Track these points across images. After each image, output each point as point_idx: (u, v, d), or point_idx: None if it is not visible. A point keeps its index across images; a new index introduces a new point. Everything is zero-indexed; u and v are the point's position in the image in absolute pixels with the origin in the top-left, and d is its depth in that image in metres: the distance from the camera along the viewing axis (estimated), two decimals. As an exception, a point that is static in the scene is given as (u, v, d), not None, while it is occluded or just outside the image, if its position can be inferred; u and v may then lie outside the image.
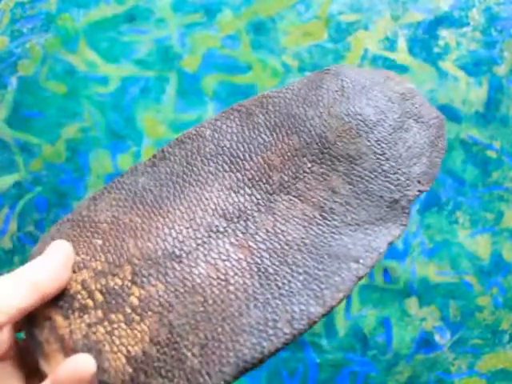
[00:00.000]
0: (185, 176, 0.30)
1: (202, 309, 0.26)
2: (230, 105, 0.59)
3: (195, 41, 0.60)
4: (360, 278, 0.27)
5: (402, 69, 0.60)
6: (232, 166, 0.30)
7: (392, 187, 0.29)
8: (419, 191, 0.30)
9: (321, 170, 0.30)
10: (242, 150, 0.31)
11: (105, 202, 0.30)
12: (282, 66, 0.60)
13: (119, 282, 0.27)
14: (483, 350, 0.56)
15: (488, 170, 0.58)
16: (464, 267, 0.57)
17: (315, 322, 0.27)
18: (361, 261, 0.28)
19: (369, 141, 0.30)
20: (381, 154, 0.30)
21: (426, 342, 0.56)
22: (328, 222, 0.29)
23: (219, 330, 0.26)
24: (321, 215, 0.29)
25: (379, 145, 0.30)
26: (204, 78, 0.59)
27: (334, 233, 0.28)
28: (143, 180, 0.31)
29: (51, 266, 0.27)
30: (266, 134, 0.31)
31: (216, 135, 0.31)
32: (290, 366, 0.55)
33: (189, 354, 0.26)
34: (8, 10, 0.60)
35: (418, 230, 0.57)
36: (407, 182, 0.30)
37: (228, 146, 0.31)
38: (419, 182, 0.30)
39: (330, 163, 0.30)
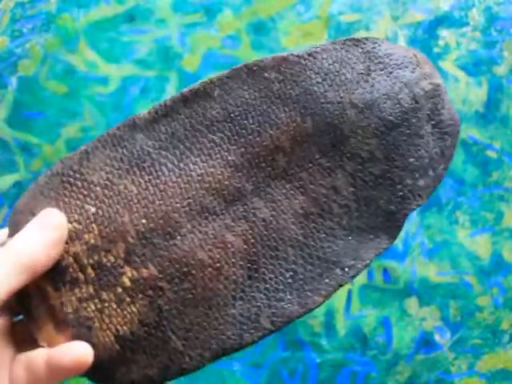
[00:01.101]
0: (186, 141, 0.28)
1: (190, 296, 0.27)
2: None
3: (195, 41, 0.60)
4: (341, 286, 0.28)
5: (402, 69, 0.60)
6: (237, 139, 0.28)
7: (393, 198, 0.28)
8: (417, 205, 0.29)
9: (327, 165, 0.28)
10: (251, 122, 0.28)
11: (99, 159, 0.28)
12: (282, 66, 0.60)
13: (112, 259, 0.27)
14: (483, 350, 0.56)
15: (488, 170, 0.58)
16: (464, 267, 0.57)
17: (293, 321, 0.27)
18: (346, 269, 0.28)
19: (383, 144, 0.28)
20: (391, 161, 0.28)
21: (426, 342, 0.56)
22: (324, 222, 0.28)
23: (204, 317, 0.27)
24: (318, 213, 0.28)
25: (393, 150, 0.28)
26: (204, 78, 0.59)
27: (327, 234, 0.28)
28: (141, 138, 0.28)
29: (43, 242, 0.26)
30: (278, 108, 0.28)
31: (225, 97, 0.28)
32: (290, 366, 0.55)
33: (173, 337, 0.27)
34: (8, 10, 0.60)
35: (418, 230, 0.57)
36: (409, 195, 0.28)
37: (236, 113, 0.28)
38: (419, 195, 0.28)
39: (338, 159, 0.28)
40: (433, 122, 0.29)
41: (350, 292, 0.56)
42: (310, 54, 0.29)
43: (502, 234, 0.57)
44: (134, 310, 0.27)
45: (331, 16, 0.61)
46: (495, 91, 0.60)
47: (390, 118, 0.28)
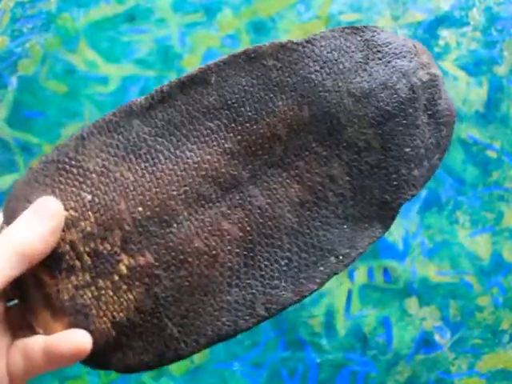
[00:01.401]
0: (183, 128, 0.28)
1: (186, 283, 0.27)
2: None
3: (195, 40, 0.60)
4: (335, 274, 0.28)
5: (402, 69, 0.60)
6: (234, 127, 0.28)
7: (388, 188, 0.28)
8: (411, 195, 0.29)
9: (324, 153, 0.28)
10: (248, 109, 0.28)
11: (94, 145, 0.28)
12: (282, 65, 0.60)
13: (108, 246, 0.27)
14: (483, 350, 0.56)
15: (488, 169, 0.58)
16: (464, 267, 0.57)
17: (287, 308, 0.28)
18: (340, 257, 0.28)
19: (379, 134, 0.28)
20: (387, 151, 0.28)
21: (426, 342, 0.56)
22: (319, 211, 0.28)
23: (200, 304, 0.27)
24: (314, 202, 0.28)
25: (389, 140, 0.28)
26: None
27: (322, 222, 0.28)
28: (137, 125, 0.28)
29: (41, 231, 0.25)
30: (276, 96, 0.28)
31: (222, 84, 0.28)
32: (289, 366, 0.55)
33: (169, 324, 0.27)
34: (8, 10, 0.60)
35: (418, 229, 0.57)
36: (404, 184, 0.28)
37: (233, 100, 0.28)
38: (414, 185, 0.29)
39: (334, 148, 0.28)
40: (429, 113, 0.29)
41: (350, 292, 0.56)
42: (308, 42, 0.29)
43: (502, 234, 0.57)
44: (131, 297, 0.27)
45: (331, 16, 0.61)
46: (495, 91, 0.60)
47: (387, 108, 0.28)
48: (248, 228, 0.28)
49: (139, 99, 0.28)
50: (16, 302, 0.28)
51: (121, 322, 0.27)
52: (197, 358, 0.55)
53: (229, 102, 0.28)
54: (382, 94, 0.28)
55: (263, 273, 0.28)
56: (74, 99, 0.59)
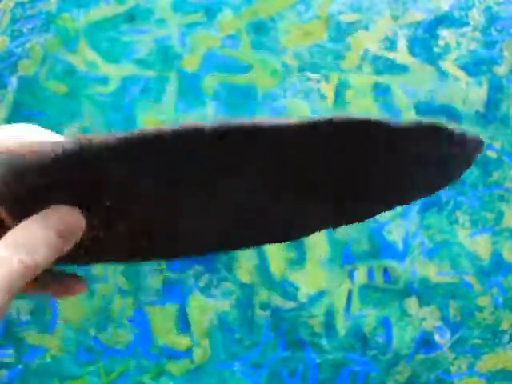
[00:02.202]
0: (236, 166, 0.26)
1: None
2: (230, 105, 0.59)
3: (195, 41, 0.60)
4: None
5: (402, 69, 0.60)
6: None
7: (371, 211, 0.29)
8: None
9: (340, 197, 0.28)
10: (314, 174, 0.25)
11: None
12: (281, 65, 0.60)
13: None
14: (483, 350, 0.56)
15: (488, 169, 0.58)
16: (464, 267, 0.57)
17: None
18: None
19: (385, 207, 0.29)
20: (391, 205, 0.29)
21: (426, 342, 0.56)
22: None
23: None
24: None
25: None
26: (204, 78, 0.59)
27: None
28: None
29: (55, 254, 0.22)
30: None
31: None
32: (290, 366, 0.55)
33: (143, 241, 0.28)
34: (8, 10, 0.60)
35: (418, 230, 0.57)
36: (385, 209, 0.30)
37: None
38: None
39: (351, 202, 0.28)
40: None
41: (350, 292, 0.56)
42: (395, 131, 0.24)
43: (502, 234, 0.57)
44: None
45: (331, 16, 0.61)
46: (495, 91, 0.60)
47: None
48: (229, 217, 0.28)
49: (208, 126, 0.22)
50: None
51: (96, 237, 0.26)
52: (197, 357, 0.55)
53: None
54: (420, 194, 0.29)
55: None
56: (74, 99, 0.59)
